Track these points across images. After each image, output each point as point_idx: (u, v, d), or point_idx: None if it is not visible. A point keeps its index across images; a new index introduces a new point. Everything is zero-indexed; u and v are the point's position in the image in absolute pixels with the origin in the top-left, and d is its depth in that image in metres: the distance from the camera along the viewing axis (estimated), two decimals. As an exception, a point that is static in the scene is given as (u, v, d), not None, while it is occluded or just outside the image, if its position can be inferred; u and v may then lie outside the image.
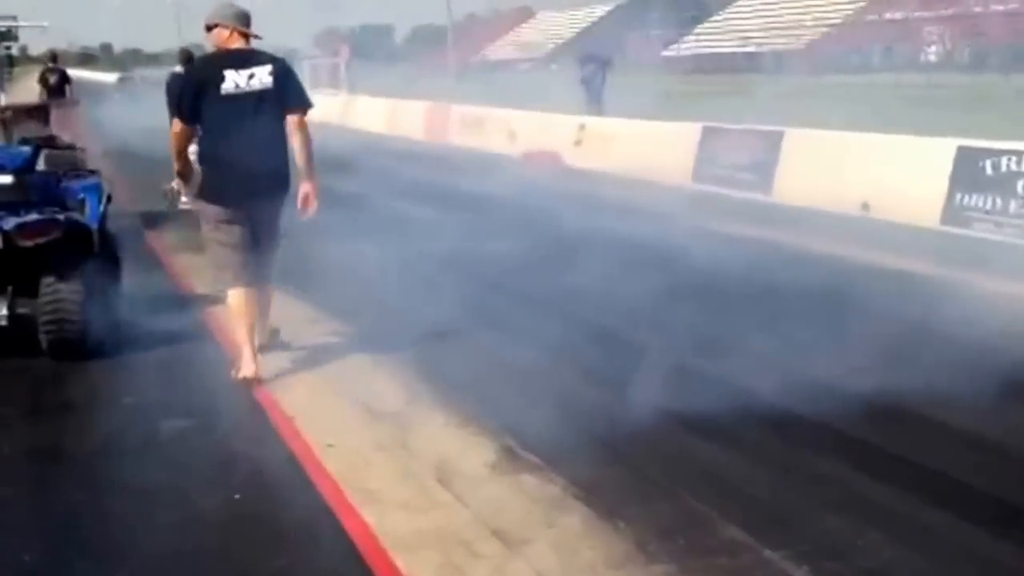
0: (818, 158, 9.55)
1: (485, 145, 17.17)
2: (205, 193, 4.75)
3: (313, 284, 6.71)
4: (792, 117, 12.35)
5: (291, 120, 4.72)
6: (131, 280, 6.20)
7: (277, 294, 6.22)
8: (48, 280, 5.08)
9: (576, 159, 13.99)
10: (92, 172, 6.21)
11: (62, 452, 4.07)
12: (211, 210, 4.74)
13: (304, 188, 4.77)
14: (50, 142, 6.22)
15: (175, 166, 4.83)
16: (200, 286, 6.76)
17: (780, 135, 10.14)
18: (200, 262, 6.64)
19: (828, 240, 7.99)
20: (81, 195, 5.80)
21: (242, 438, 4.15)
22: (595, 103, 15.60)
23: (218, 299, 6.27)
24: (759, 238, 8.28)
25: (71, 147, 6.40)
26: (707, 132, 11.38)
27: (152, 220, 9.72)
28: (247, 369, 4.67)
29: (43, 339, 5.09)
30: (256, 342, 4.82)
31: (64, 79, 17.08)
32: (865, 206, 8.70)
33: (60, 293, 5.07)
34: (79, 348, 5.11)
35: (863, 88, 22.35)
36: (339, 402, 4.50)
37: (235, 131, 4.64)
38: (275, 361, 5.04)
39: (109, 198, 6.13)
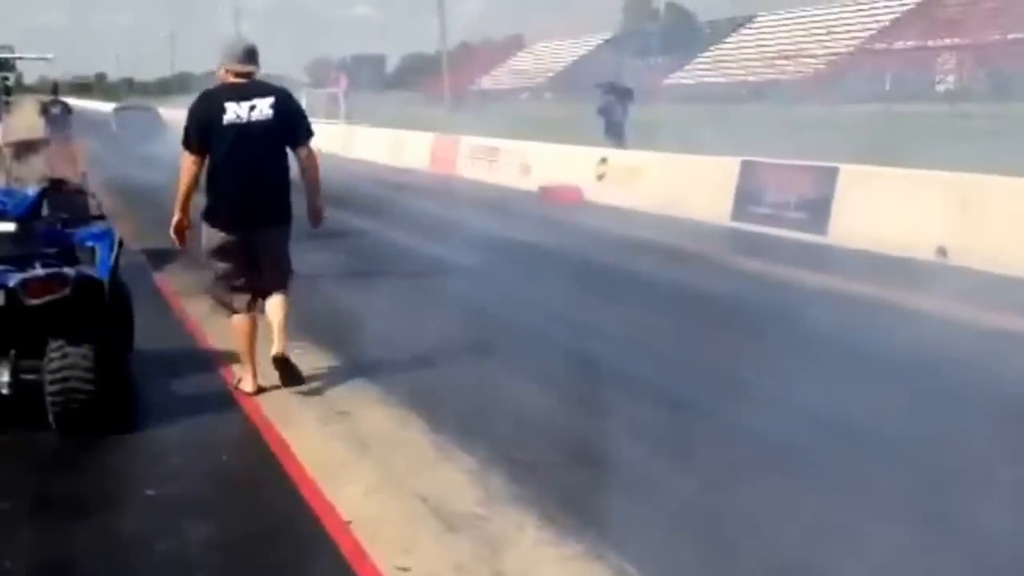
0: (881, 196, 8.90)
1: (496, 178, 16.58)
2: (209, 218, 4.94)
3: (351, 343, 6.02)
4: (827, 149, 11.80)
5: (300, 151, 4.94)
6: (142, 331, 5.52)
7: (315, 354, 5.61)
8: (56, 343, 4.40)
9: (599, 194, 13.38)
10: (101, 217, 5.55)
11: (75, 570, 3.36)
12: (214, 235, 4.93)
13: (313, 207, 5.06)
14: (57, 184, 5.57)
15: (180, 197, 4.90)
16: (217, 338, 6.09)
17: (835, 171, 9.49)
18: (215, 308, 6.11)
19: (923, 295, 7.11)
20: (90, 243, 5.13)
21: (292, 553, 3.41)
22: (616, 136, 15.01)
23: (232, 355, 5.63)
24: (842, 291, 7.42)
25: (81, 191, 5.74)
26: (747, 167, 10.75)
27: (159, 258, 8.99)
28: (247, 384, 5.00)
29: (50, 410, 4.40)
30: (274, 349, 4.96)
31: (66, 111, 16.54)
32: (941, 251, 8.06)
33: (69, 358, 4.38)
34: (90, 421, 4.42)
35: (882, 118, 21.85)
36: (402, 501, 3.76)
37: (236, 161, 4.85)
38: (320, 440, 4.37)
39: (120, 244, 5.46)
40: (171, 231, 4.90)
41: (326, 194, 5.17)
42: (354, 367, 5.47)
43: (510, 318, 6.75)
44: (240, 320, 5.03)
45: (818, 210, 9.50)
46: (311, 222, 5.09)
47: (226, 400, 4.95)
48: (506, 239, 10.40)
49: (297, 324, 6.43)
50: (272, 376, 5.07)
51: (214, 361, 5.66)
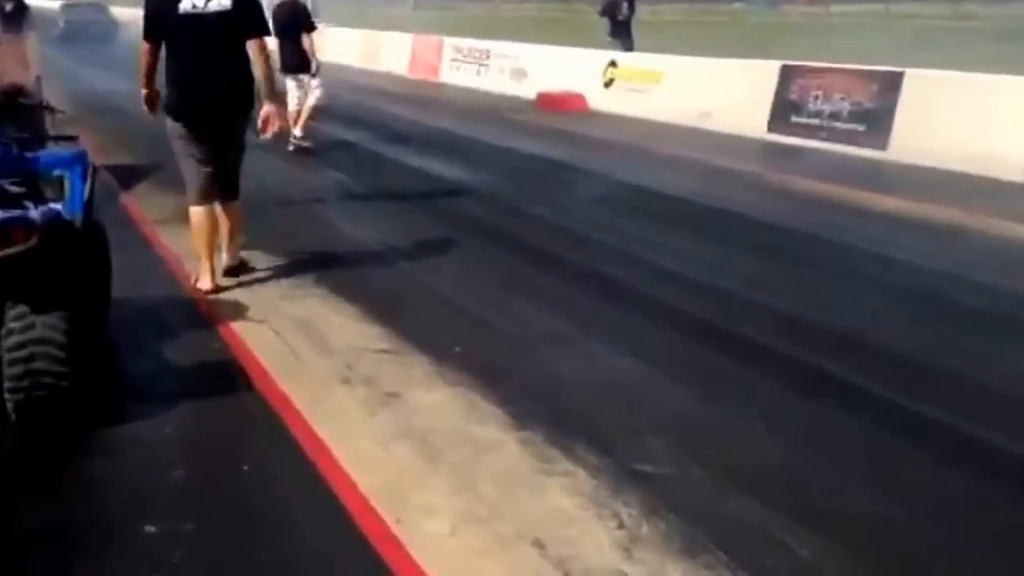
0: (955, 108, 7.71)
1: (487, 84, 15.09)
2: (169, 109, 4.78)
3: (372, 289, 4.88)
4: (864, 53, 10.65)
5: (251, 45, 4.73)
6: (115, 273, 4.26)
7: (333, 304, 4.54)
8: (16, 310, 3.25)
9: (607, 103, 12.05)
10: (71, 138, 4.27)
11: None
12: (174, 126, 4.78)
13: (266, 109, 4.86)
14: (12, 94, 4.27)
15: (142, 76, 4.78)
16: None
17: (898, 77, 8.25)
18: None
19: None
20: (58, 172, 3.90)
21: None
22: (623, 37, 13.60)
23: (236, 308, 4.52)
24: (941, 220, 6.29)
25: (47, 107, 4.46)
26: (788, 72, 9.47)
27: (126, 175, 7.64)
28: (205, 283, 4.87)
29: (9, 400, 3.26)
30: (224, 263, 4.99)
31: (21, 7, 14.72)
32: (1032, 171, 7.04)
33: (35, 330, 3.23)
34: (63, 414, 3.30)
35: (885, 19, 20.48)
36: (508, 546, 2.65)
37: (192, 51, 4.70)
38: (371, 441, 3.23)
39: (95, 172, 4.22)
40: (142, 103, 4.85)
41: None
42: (387, 325, 4.32)
43: (559, 256, 5.59)
44: (198, 214, 4.87)
45: (877, 122, 8.31)
46: (259, 126, 4.86)
47: (234, 375, 3.78)
48: (516, 154, 9.20)
49: (304, 265, 5.31)
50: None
51: (209, 315, 4.51)
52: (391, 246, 5.80)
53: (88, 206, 3.93)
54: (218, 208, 4.93)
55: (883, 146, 8.18)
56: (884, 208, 6.74)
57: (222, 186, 4.88)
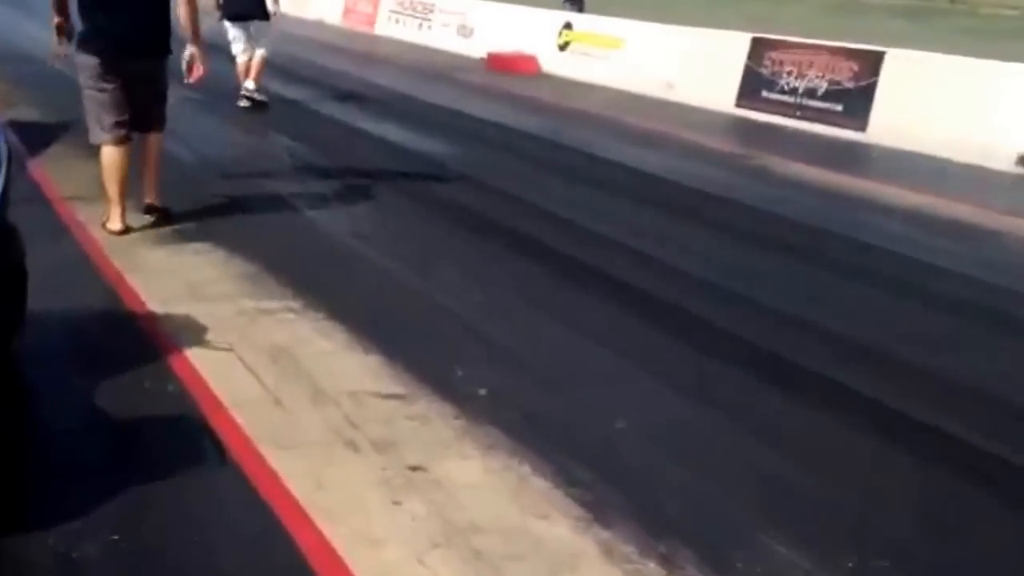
0: (939, 91, 6.97)
1: (429, 40, 13.73)
2: (83, 45, 4.42)
3: (364, 301, 3.75)
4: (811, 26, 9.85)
5: None
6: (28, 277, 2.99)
7: (317, 332, 3.45)
8: None
9: (561, 67, 10.92)
10: None
11: None
12: (88, 61, 4.39)
13: (190, 50, 4.62)
14: None
15: (55, 19, 4.37)
16: (145, 283, 3.77)
17: (879, 56, 7.47)
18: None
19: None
20: None
21: None
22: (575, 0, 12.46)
23: (191, 328, 3.38)
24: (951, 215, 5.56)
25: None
26: (759, 45, 8.56)
27: (33, 135, 6.03)
28: (115, 224, 4.51)
29: None
30: (145, 200, 4.66)
31: None
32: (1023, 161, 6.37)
33: None
34: None
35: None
36: None
37: None
38: (405, 561, 2.20)
39: (9, 160, 2.93)
40: (53, 32, 4.38)
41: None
42: (386, 354, 3.22)
43: (563, 253, 4.52)
44: (111, 154, 4.43)
45: (856, 102, 7.50)
46: (186, 71, 4.61)
47: (199, 438, 2.65)
48: (477, 121, 8.08)
49: (268, 265, 4.05)
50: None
51: (156, 339, 3.30)
52: (367, 238, 4.66)
53: (2, 203, 2.71)
54: (144, 143, 4.58)
55: (862, 128, 7.40)
56: (896, 200, 5.93)
57: (147, 120, 4.54)
